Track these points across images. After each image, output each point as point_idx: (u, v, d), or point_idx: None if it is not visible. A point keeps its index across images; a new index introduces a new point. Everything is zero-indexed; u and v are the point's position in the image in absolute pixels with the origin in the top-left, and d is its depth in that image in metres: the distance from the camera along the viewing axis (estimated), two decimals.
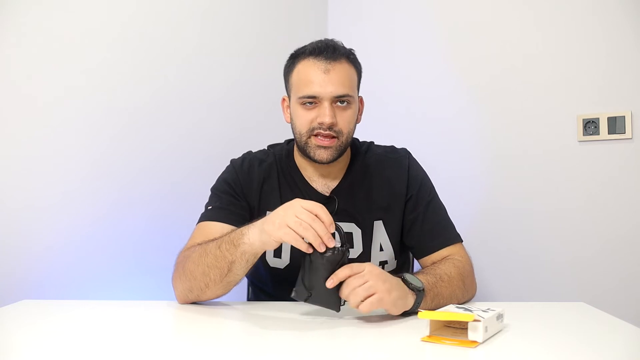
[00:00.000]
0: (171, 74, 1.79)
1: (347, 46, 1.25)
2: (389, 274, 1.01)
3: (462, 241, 1.28)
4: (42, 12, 1.49)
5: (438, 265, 1.18)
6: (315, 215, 0.95)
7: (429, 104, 2.12)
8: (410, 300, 1.01)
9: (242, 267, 1.06)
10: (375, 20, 2.26)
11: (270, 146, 1.38)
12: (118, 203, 1.64)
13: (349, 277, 0.97)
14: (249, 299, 1.48)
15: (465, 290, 1.16)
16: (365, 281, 0.96)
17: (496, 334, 0.90)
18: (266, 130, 1.98)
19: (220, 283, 1.08)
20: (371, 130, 2.01)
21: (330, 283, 0.96)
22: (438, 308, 1.02)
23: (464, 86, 2.05)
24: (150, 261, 1.68)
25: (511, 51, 1.96)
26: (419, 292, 1.02)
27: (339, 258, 0.96)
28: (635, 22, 1.76)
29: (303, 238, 0.95)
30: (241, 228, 1.06)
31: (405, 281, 1.02)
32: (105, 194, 1.61)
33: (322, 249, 0.95)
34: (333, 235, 0.96)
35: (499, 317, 0.92)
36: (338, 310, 0.99)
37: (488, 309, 0.91)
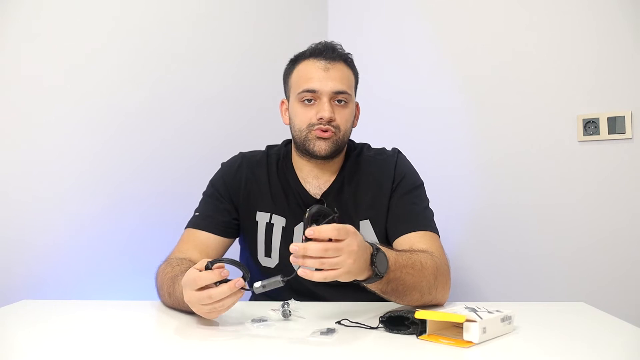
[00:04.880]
0: (171, 74, 1.79)
1: (348, 47, 1.27)
2: (364, 248, 0.92)
3: (437, 233, 1.24)
4: (40, 13, 1.49)
5: (416, 252, 1.11)
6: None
7: (428, 103, 2.12)
8: (362, 276, 0.94)
9: None
10: (375, 21, 2.25)
11: (268, 147, 1.40)
12: (118, 203, 1.64)
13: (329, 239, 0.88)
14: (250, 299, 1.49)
15: (434, 286, 1.07)
16: (337, 256, 0.87)
17: (502, 336, 0.90)
18: (266, 130, 1.98)
19: None
20: (371, 129, 2.01)
21: (311, 234, 0.87)
22: (394, 293, 1.00)
23: (463, 85, 2.05)
24: (151, 261, 1.67)
25: (511, 51, 1.96)
26: (375, 276, 0.95)
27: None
28: (635, 22, 1.76)
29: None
30: (181, 291, 0.99)
31: (373, 260, 0.94)
32: (105, 194, 1.62)
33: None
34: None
35: (506, 319, 0.91)
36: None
37: (496, 310, 0.91)
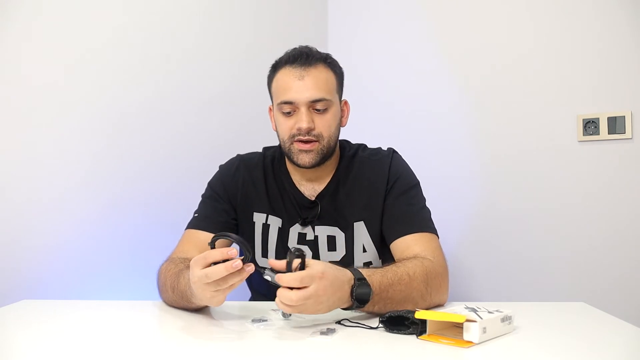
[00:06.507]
0: (171, 75, 1.79)
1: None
2: (338, 286, 0.94)
3: (435, 233, 1.23)
4: (40, 13, 1.49)
5: (404, 262, 1.10)
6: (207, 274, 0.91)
7: (428, 103, 2.12)
8: (344, 305, 0.97)
9: None
10: (375, 21, 2.25)
11: (265, 148, 1.41)
12: (119, 203, 1.64)
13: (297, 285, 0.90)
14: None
15: (427, 293, 1.07)
16: (302, 304, 0.90)
17: (502, 336, 0.90)
18: (266, 131, 1.97)
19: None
20: (370, 130, 2.01)
21: (281, 282, 0.91)
22: (384, 310, 0.98)
23: (463, 85, 2.05)
24: (152, 261, 1.67)
25: (511, 51, 1.96)
26: (358, 305, 0.97)
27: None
28: (635, 22, 1.76)
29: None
30: (186, 283, 1.01)
31: (353, 290, 0.96)
32: (105, 193, 1.62)
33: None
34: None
35: (506, 319, 0.91)
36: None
37: (496, 310, 0.91)
